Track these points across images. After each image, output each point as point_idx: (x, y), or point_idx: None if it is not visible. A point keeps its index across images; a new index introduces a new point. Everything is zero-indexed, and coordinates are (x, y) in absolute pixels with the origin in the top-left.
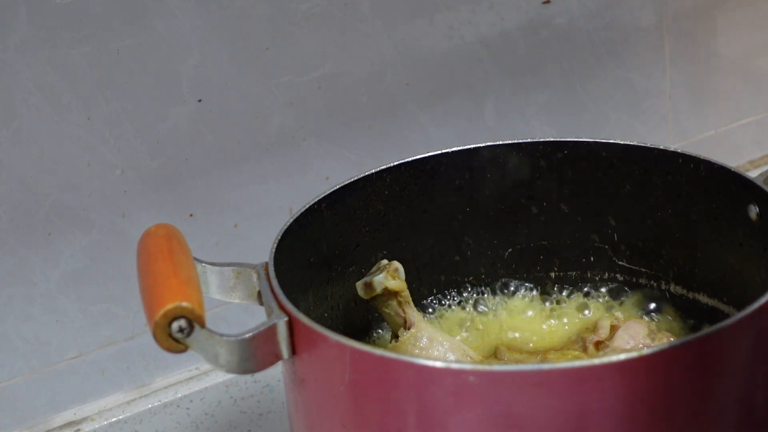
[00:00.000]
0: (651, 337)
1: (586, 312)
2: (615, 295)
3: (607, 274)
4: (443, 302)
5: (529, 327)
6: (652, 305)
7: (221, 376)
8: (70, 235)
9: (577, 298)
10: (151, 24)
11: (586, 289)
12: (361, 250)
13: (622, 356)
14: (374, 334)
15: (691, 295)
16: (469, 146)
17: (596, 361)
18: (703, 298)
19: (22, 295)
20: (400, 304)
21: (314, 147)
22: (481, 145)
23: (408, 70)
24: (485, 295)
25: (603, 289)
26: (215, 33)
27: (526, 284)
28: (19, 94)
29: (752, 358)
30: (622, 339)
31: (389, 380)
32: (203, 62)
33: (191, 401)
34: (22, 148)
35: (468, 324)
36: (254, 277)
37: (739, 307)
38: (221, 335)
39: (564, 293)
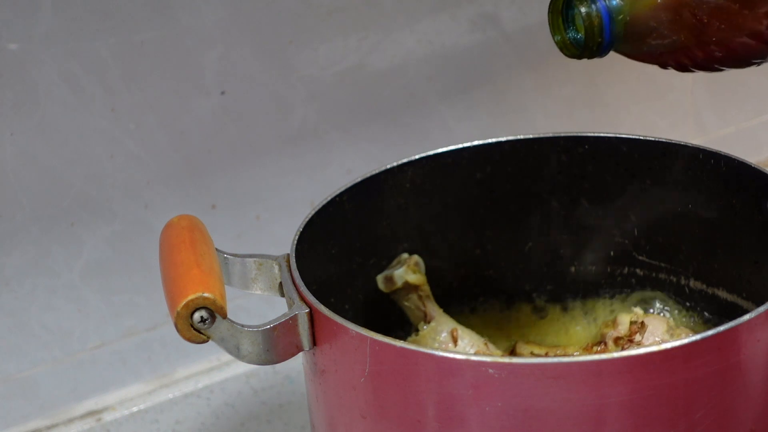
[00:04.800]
0: (670, 333)
1: (605, 308)
2: (635, 290)
3: (626, 269)
4: (463, 296)
5: (548, 322)
6: (672, 300)
7: (242, 367)
8: (93, 226)
9: (597, 294)
10: (175, 16)
11: (605, 283)
12: (381, 243)
13: (641, 350)
14: (394, 327)
15: (710, 290)
16: (490, 140)
17: (615, 354)
18: (723, 294)
19: (45, 285)
20: (420, 297)
21: (336, 140)
22: (502, 139)
23: (430, 65)
24: (505, 290)
25: (622, 284)
26: (239, 25)
27: (546, 279)
28: (44, 85)
29: None
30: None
31: (409, 372)
32: (227, 55)
33: (212, 392)
34: (46, 138)
35: (488, 318)
36: (276, 268)
37: (758, 302)
38: (242, 326)
39: (583, 288)
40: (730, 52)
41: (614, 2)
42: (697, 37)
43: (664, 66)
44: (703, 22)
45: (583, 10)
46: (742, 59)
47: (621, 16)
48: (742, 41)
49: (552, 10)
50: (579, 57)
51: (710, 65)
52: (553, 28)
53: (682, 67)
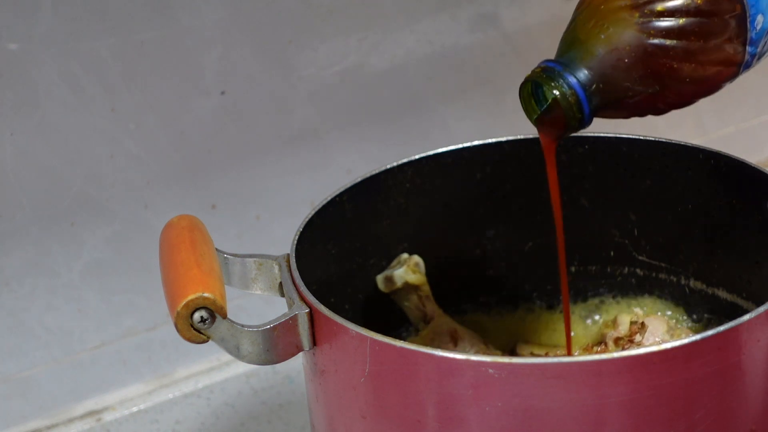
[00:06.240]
0: (670, 333)
1: (605, 308)
2: (635, 290)
3: (627, 269)
4: (463, 296)
5: (548, 322)
6: (672, 300)
7: (242, 367)
8: (93, 226)
9: (597, 294)
10: (175, 16)
11: (605, 283)
12: (381, 243)
13: (641, 350)
14: (394, 327)
15: (710, 290)
16: (490, 140)
17: (615, 354)
18: (723, 294)
19: (45, 285)
20: (420, 298)
21: (336, 140)
22: (503, 139)
23: (430, 65)
24: (505, 289)
25: (622, 284)
26: (239, 26)
27: (546, 279)
28: (44, 84)
29: None
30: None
31: (409, 372)
32: (227, 55)
33: (212, 392)
34: (46, 138)
35: (488, 318)
36: (276, 268)
37: (758, 302)
38: (242, 326)
39: (583, 288)
40: (705, 85)
41: (582, 75)
42: (671, 82)
43: (642, 116)
44: (674, 68)
45: (555, 92)
46: (716, 86)
47: (594, 86)
48: (714, 71)
49: (523, 96)
50: (565, 134)
51: (687, 102)
52: (529, 112)
53: (659, 112)
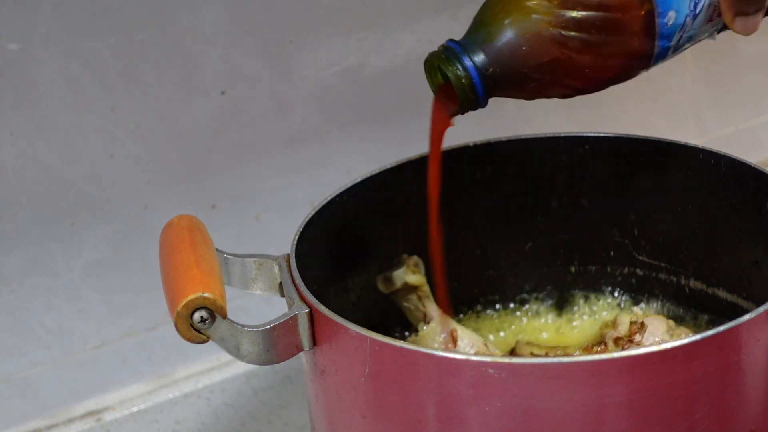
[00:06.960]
0: (670, 333)
1: (605, 308)
2: (634, 290)
3: (626, 269)
4: (463, 296)
5: (549, 323)
6: (672, 300)
7: (242, 367)
8: (93, 226)
9: (597, 294)
10: (175, 16)
11: (605, 283)
12: (381, 243)
13: (641, 350)
14: (394, 327)
15: (710, 290)
16: (489, 140)
17: (615, 354)
18: (722, 293)
19: (45, 285)
20: (419, 298)
21: (336, 140)
22: (502, 139)
23: None
24: (505, 290)
25: (622, 284)
26: (239, 26)
27: (546, 279)
28: (44, 85)
29: None
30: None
31: (409, 372)
32: (227, 55)
33: (212, 392)
34: (46, 138)
35: (488, 318)
36: (276, 268)
37: (758, 302)
38: (242, 326)
39: (583, 288)
40: (610, 74)
41: (479, 59)
42: (571, 71)
43: (546, 97)
44: (573, 59)
45: (450, 74)
46: (624, 76)
47: (491, 70)
48: (619, 63)
49: (428, 69)
50: (460, 113)
51: (594, 89)
52: (431, 86)
53: (565, 96)
